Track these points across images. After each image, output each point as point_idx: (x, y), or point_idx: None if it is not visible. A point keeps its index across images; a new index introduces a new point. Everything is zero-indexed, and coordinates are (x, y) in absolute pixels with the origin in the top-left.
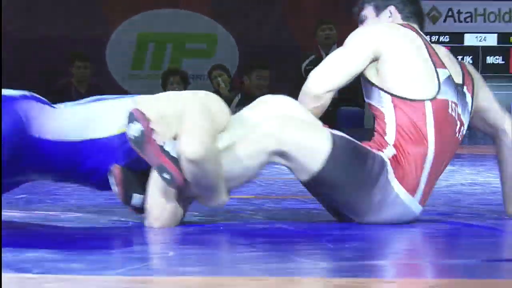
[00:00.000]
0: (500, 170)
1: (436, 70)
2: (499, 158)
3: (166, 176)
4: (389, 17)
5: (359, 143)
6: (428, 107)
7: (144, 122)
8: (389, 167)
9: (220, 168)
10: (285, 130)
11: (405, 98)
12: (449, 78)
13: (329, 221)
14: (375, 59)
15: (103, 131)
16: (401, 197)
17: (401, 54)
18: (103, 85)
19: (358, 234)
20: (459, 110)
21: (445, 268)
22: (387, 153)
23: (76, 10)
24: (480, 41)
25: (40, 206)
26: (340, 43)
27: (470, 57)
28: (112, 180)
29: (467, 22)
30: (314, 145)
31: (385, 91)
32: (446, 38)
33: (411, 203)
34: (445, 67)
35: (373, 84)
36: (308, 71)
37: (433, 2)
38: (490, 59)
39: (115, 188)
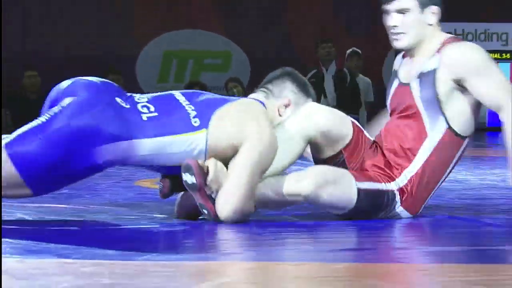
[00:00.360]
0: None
1: None
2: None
3: (205, 211)
4: (433, 13)
5: (374, 185)
6: (465, 143)
7: (198, 178)
8: (397, 198)
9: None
10: (319, 191)
11: (458, 135)
12: None
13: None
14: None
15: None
16: (401, 215)
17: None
18: None
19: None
20: None
21: (432, 254)
22: (399, 182)
23: (111, 32)
24: None
25: (79, 200)
26: (337, 60)
27: None
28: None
29: None
30: (342, 201)
31: (446, 120)
32: None
33: (407, 216)
34: None
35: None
36: (311, 83)
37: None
38: None
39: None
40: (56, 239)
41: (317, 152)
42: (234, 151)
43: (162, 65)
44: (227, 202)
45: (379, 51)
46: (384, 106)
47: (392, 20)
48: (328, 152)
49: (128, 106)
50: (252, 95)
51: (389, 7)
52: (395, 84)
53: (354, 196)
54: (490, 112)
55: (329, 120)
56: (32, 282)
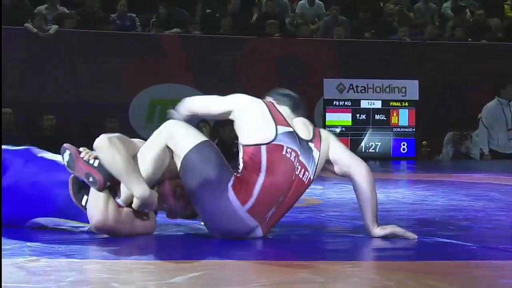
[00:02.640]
0: (358, 203)
1: (276, 126)
2: (356, 194)
3: (91, 179)
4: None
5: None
6: (263, 149)
7: (71, 148)
8: (232, 179)
9: (127, 160)
10: (176, 128)
11: (247, 145)
12: (291, 133)
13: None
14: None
15: None
16: (232, 203)
17: (248, 115)
18: (127, 132)
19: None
20: (301, 157)
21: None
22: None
23: (108, 82)
24: (370, 105)
25: None
26: None
27: (364, 115)
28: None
29: (362, 92)
30: (190, 137)
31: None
32: (349, 102)
33: (241, 212)
34: (288, 126)
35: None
36: None
37: (340, 80)
38: (377, 117)
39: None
40: (65, 243)
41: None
42: None
43: (148, 110)
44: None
45: (310, 99)
46: None
47: None
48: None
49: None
50: None
51: None
52: None
53: (201, 139)
54: (394, 145)
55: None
56: (45, 277)
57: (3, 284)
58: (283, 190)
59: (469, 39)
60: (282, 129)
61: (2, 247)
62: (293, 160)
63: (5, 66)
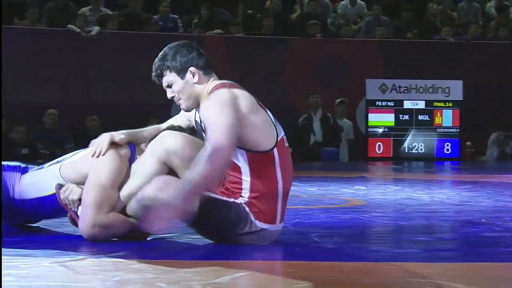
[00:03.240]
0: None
1: (270, 116)
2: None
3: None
4: (193, 76)
5: (217, 196)
6: (275, 152)
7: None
8: (248, 209)
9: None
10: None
11: (257, 151)
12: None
13: None
14: None
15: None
16: (261, 227)
17: (247, 116)
18: None
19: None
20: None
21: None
22: (244, 198)
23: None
24: (413, 105)
25: None
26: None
27: (407, 115)
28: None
29: (405, 93)
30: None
31: (241, 147)
32: (391, 103)
33: (271, 228)
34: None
35: None
36: (302, 125)
37: (382, 80)
38: (420, 117)
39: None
40: (109, 243)
41: (177, 173)
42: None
43: None
44: (83, 219)
45: (352, 99)
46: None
47: (168, 93)
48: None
49: None
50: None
51: (162, 85)
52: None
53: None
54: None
55: (176, 142)
56: (92, 276)
57: (51, 283)
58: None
59: None
60: (270, 114)
61: (48, 246)
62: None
63: (49, 68)
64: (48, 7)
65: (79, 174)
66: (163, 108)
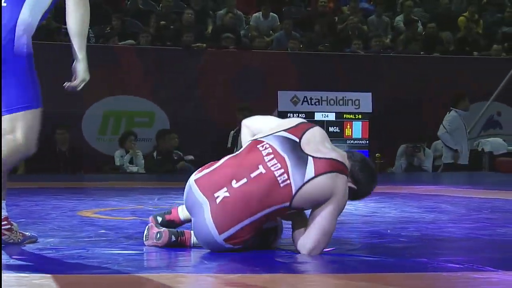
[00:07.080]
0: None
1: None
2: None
3: (159, 235)
4: None
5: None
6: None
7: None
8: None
9: None
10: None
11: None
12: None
13: None
14: None
15: None
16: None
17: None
18: (79, 145)
19: None
20: (280, 151)
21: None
22: None
23: (62, 93)
24: (324, 117)
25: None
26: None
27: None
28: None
29: (316, 105)
30: None
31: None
32: (303, 115)
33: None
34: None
35: None
36: (234, 137)
37: (294, 92)
38: (331, 129)
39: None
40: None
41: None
42: None
43: (102, 121)
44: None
45: (265, 111)
46: None
47: None
48: None
49: None
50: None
51: None
52: None
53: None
54: None
55: None
56: None
57: None
58: (236, 168)
59: (422, 52)
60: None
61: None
62: (262, 150)
63: None
64: None
65: None
66: (75, 118)
